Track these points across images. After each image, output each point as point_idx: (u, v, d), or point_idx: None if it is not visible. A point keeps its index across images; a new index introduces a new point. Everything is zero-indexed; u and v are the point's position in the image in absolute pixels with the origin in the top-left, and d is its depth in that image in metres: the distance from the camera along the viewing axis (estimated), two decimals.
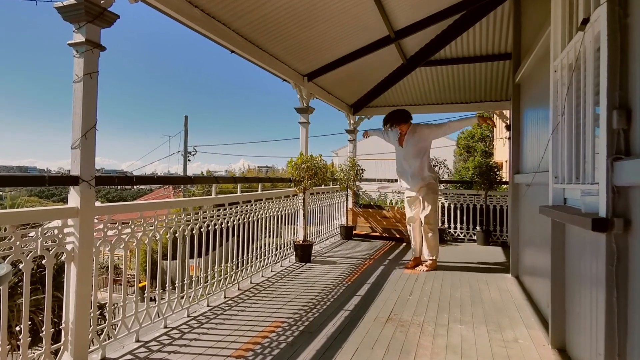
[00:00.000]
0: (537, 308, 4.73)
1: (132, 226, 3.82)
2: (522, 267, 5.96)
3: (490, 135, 30.74)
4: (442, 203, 10.27)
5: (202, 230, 4.79)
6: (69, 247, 3.20)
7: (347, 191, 10.44)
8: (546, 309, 4.09)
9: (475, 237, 9.82)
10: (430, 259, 6.78)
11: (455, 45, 8.66)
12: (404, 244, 9.17)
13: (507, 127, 9.80)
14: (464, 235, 10.04)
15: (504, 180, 10.18)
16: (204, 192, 27.44)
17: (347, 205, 10.51)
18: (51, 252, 3.09)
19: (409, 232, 7.17)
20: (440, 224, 10.18)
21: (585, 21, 2.80)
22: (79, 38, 3.23)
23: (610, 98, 2.31)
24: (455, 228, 10.14)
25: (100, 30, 3.33)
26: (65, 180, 3.13)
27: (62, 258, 3.21)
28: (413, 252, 7.13)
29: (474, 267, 7.03)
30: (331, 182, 9.80)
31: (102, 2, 3.27)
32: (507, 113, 10.43)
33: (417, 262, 6.99)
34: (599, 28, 2.55)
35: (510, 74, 8.54)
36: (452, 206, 10.17)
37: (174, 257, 4.36)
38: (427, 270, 6.61)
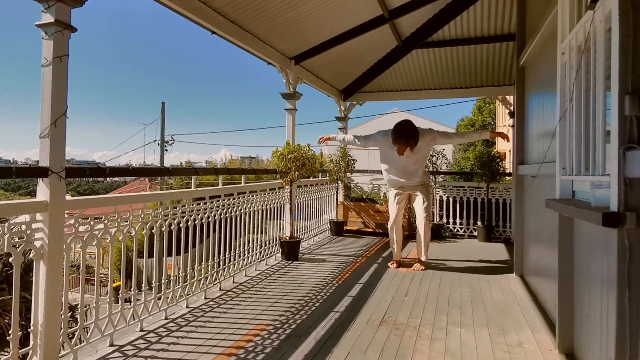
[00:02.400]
0: (543, 310, 4.78)
1: (106, 221, 3.82)
2: (527, 265, 6.01)
3: (492, 123, 30.91)
4: (440, 196, 10.34)
5: (180, 225, 4.79)
6: (37, 243, 3.19)
7: (338, 183, 10.46)
8: (553, 311, 4.14)
9: (476, 233, 9.89)
10: (423, 259, 6.81)
11: (454, 26, 8.68)
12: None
13: (511, 114, 9.87)
14: (464, 231, 10.12)
15: (507, 171, 10.25)
16: (183, 184, 27.33)
17: (337, 199, 10.53)
18: (19, 249, 3.07)
19: (390, 232, 7.05)
20: (438, 219, 10.26)
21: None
22: (48, 18, 3.21)
23: (622, 82, 2.30)
24: (455, 223, 10.22)
25: (70, 9, 3.31)
26: (34, 172, 3.12)
27: (31, 255, 3.20)
28: (394, 253, 7.06)
29: (475, 266, 7.10)
30: (320, 174, 9.83)
31: None
32: (510, 99, 10.50)
33: (400, 263, 6.97)
34: (610, 7, 2.56)
35: (514, 56, 8.59)
36: (451, 200, 10.23)
37: (150, 255, 4.37)
38: (423, 269, 6.65)
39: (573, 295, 3.59)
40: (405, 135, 6.30)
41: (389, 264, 6.92)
